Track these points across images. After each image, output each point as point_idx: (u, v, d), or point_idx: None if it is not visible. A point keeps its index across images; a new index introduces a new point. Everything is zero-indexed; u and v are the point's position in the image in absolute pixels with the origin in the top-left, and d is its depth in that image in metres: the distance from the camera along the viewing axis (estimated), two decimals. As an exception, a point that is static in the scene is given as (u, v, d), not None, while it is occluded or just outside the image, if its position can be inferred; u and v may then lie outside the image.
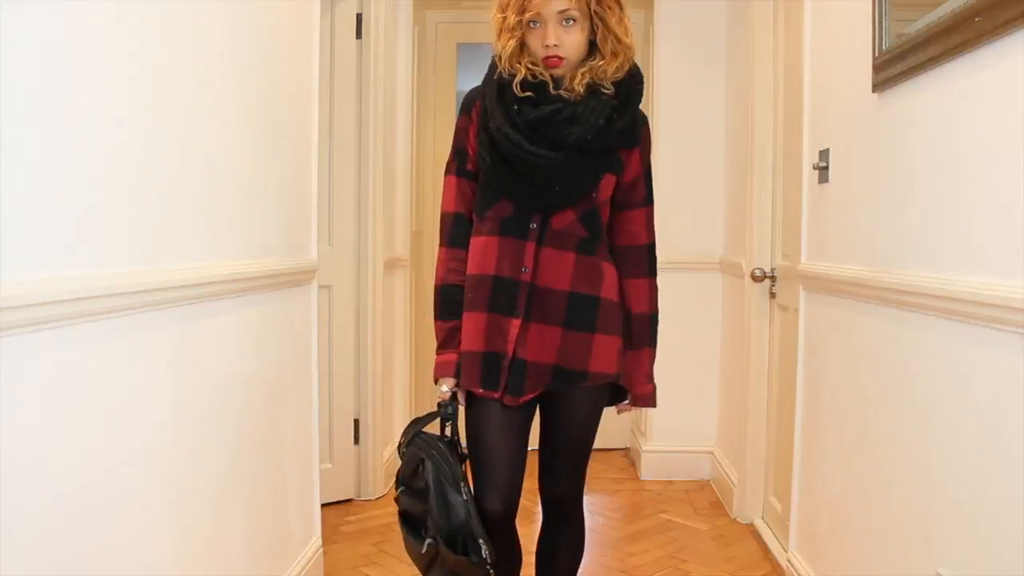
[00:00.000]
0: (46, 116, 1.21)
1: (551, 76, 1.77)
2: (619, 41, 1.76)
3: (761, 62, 3.09)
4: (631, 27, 1.80)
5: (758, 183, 3.10)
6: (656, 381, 1.94)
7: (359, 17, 3.33)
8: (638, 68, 1.84)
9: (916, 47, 1.64)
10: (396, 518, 1.94)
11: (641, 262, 1.90)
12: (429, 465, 1.80)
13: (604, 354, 1.83)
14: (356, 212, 3.36)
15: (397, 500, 1.92)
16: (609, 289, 1.85)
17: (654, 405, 1.94)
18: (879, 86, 1.85)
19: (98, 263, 1.34)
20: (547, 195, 1.78)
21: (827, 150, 2.27)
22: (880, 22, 1.84)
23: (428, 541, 1.79)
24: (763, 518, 3.13)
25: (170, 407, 1.62)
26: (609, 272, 1.86)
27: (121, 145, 1.42)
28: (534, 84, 1.76)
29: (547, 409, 1.90)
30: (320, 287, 2.68)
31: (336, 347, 3.33)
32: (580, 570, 2.12)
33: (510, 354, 1.79)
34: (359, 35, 3.33)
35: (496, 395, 1.80)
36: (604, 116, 1.74)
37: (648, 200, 1.90)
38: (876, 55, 1.86)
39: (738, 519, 3.24)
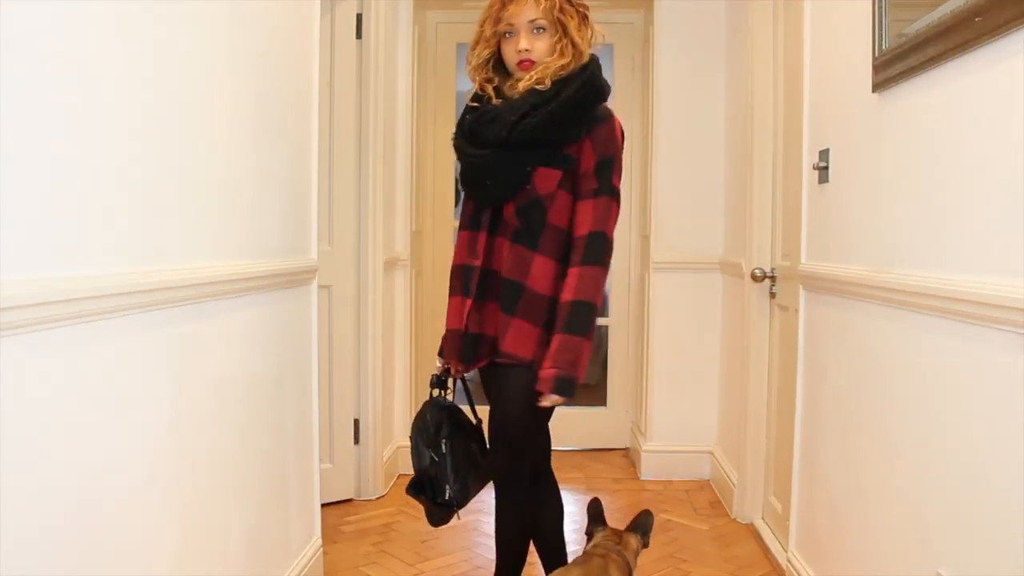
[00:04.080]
0: (45, 116, 1.21)
1: (493, 86, 2.01)
2: (573, 45, 1.95)
3: (761, 62, 3.09)
4: (591, 37, 1.99)
5: (758, 183, 3.09)
6: (580, 373, 1.90)
7: (359, 17, 3.33)
8: (587, 68, 1.96)
9: (916, 47, 1.64)
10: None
11: (578, 250, 1.94)
12: (413, 423, 2.13)
13: (518, 338, 1.97)
14: (356, 212, 3.36)
15: None
16: (536, 279, 1.96)
17: (552, 391, 1.88)
18: (879, 86, 1.86)
19: (98, 263, 1.34)
20: (484, 190, 2.01)
21: (827, 150, 2.27)
22: (880, 22, 1.84)
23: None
24: (763, 518, 3.13)
25: (170, 407, 1.62)
26: (539, 263, 1.96)
27: (121, 145, 1.42)
28: (479, 96, 2.04)
29: (489, 387, 2.11)
30: (320, 287, 2.68)
31: (336, 347, 3.33)
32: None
33: (463, 329, 2.04)
34: (359, 35, 3.33)
35: (461, 366, 2.09)
36: (519, 113, 1.92)
37: (599, 192, 1.94)
38: (876, 55, 1.86)
39: (738, 519, 3.24)
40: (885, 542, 1.82)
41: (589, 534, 2.13)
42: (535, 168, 1.94)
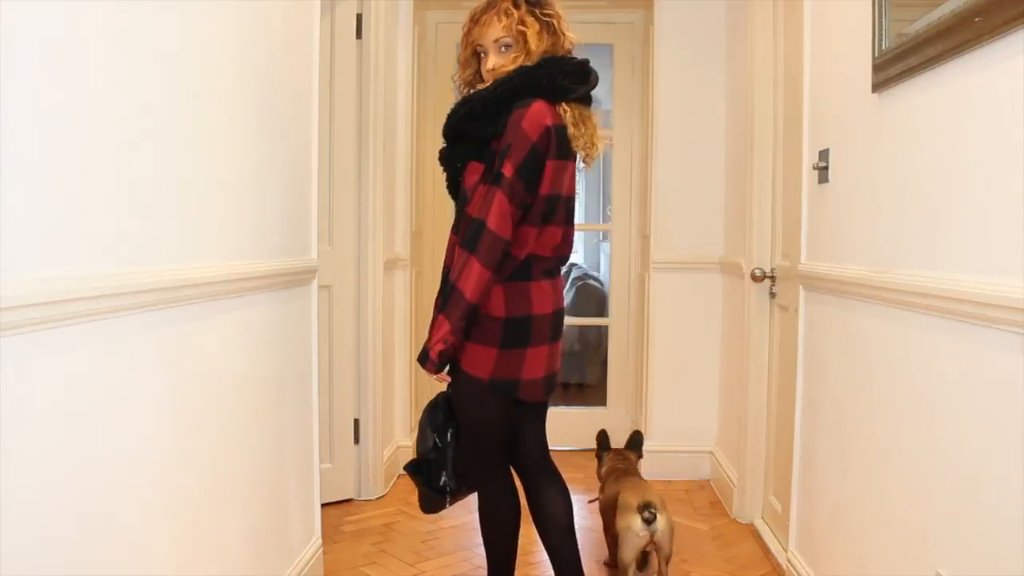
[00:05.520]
0: (46, 117, 1.21)
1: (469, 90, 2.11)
2: (528, 52, 2.00)
3: (761, 62, 3.09)
4: (562, 43, 2.03)
5: (758, 183, 3.09)
6: (435, 350, 1.94)
7: (359, 17, 3.33)
8: (523, 68, 1.99)
9: (916, 47, 1.64)
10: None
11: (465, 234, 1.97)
12: (426, 405, 2.18)
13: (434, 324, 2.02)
14: (356, 212, 3.36)
15: None
16: (453, 267, 1.99)
17: (421, 364, 1.98)
18: (879, 86, 1.86)
19: (98, 263, 1.34)
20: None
21: (827, 150, 2.27)
22: (880, 22, 1.84)
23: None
24: (763, 518, 3.13)
25: (170, 407, 1.62)
26: (456, 250, 2.00)
27: (121, 145, 1.42)
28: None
29: None
30: (320, 287, 2.68)
31: (336, 347, 3.33)
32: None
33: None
34: (359, 35, 3.33)
35: None
36: (452, 110, 2.07)
37: (493, 180, 1.93)
38: (876, 55, 1.86)
39: (738, 519, 3.24)
40: (885, 542, 1.82)
41: (599, 457, 2.81)
42: (466, 162, 2.04)
